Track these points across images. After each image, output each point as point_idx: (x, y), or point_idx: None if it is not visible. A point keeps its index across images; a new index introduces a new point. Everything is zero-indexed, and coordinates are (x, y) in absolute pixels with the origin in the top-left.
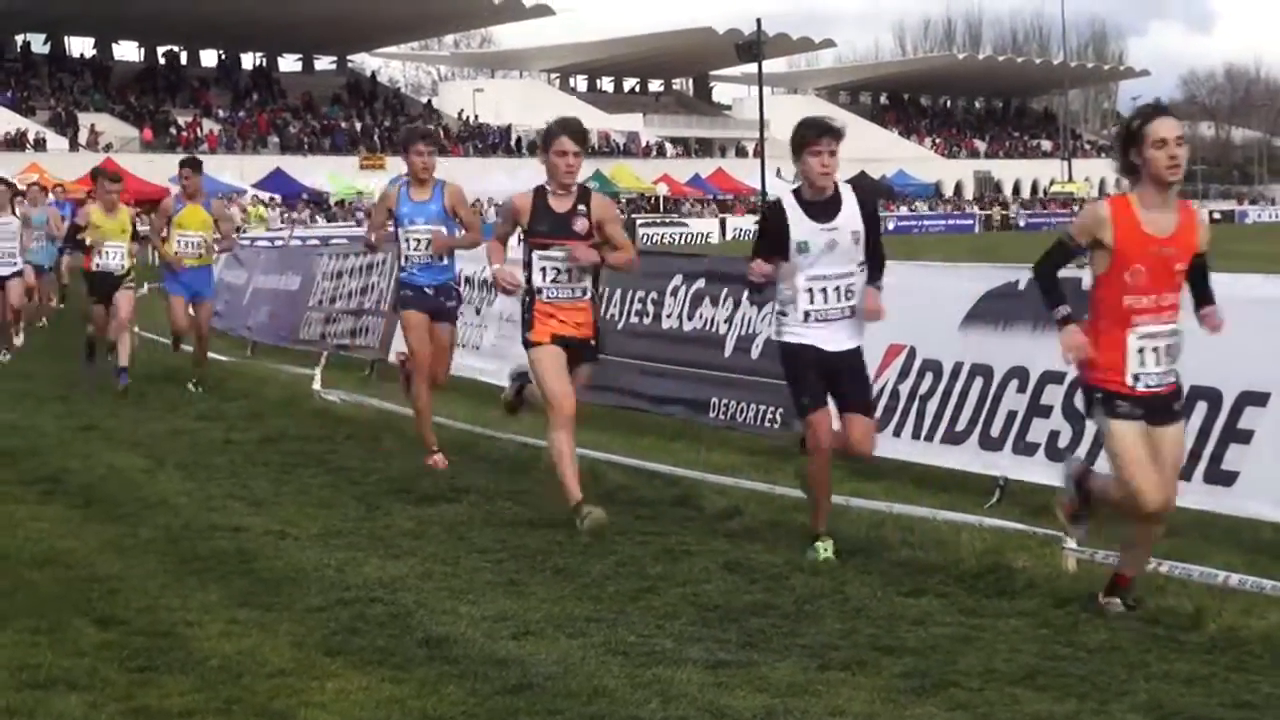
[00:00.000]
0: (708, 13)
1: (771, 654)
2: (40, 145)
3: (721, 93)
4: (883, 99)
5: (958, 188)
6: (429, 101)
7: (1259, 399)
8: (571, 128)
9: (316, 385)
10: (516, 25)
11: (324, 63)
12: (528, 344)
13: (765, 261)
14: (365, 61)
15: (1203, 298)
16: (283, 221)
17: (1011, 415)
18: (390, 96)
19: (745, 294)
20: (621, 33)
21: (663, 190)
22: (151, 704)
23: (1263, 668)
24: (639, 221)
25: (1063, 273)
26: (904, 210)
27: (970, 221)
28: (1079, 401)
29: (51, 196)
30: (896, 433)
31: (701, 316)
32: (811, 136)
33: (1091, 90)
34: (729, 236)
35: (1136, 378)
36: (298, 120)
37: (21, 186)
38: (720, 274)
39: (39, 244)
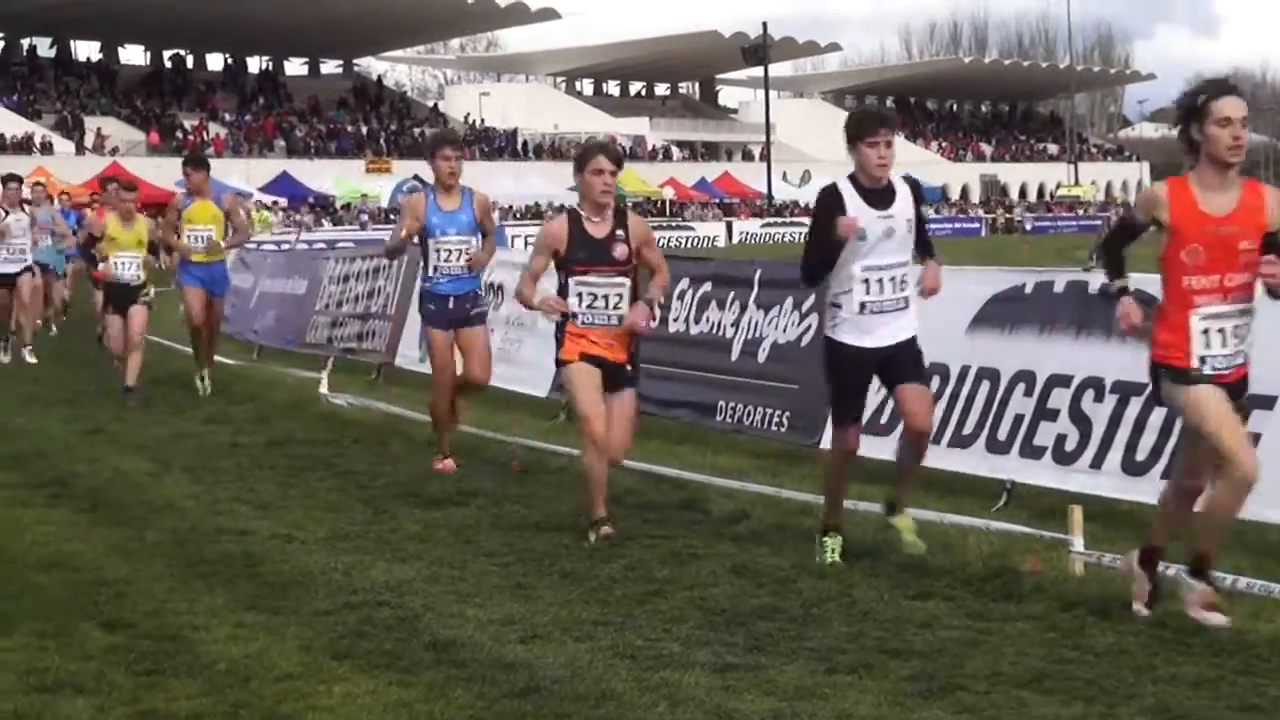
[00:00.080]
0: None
1: (779, 657)
2: (47, 149)
3: (727, 96)
4: (889, 103)
5: (964, 191)
6: (435, 105)
7: (1266, 402)
8: (609, 148)
9: (323, 389)
10: (522, 29)
11: (330, 66)
12: (559, 363)
13: (827, 246)
14: (371, 65)
15: None
16: (286, 225)
17: (1018, 418)
18: (396, 100)
19: (752, 297)
20: (627, 36)
21: (669, 194)
22: (159, 707)
23: (1270, 671)
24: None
25: (1069, 276)
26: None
27: (976, 225)
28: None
29: (57, 204)
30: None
31: (708, 320)
32: (870, 127)
33: (1097, 94)
34: (735, 240)
35: (1203, 360)
36: (304, 124)
37: (26, 192)
38: (727, 277)
39: (45, 243)
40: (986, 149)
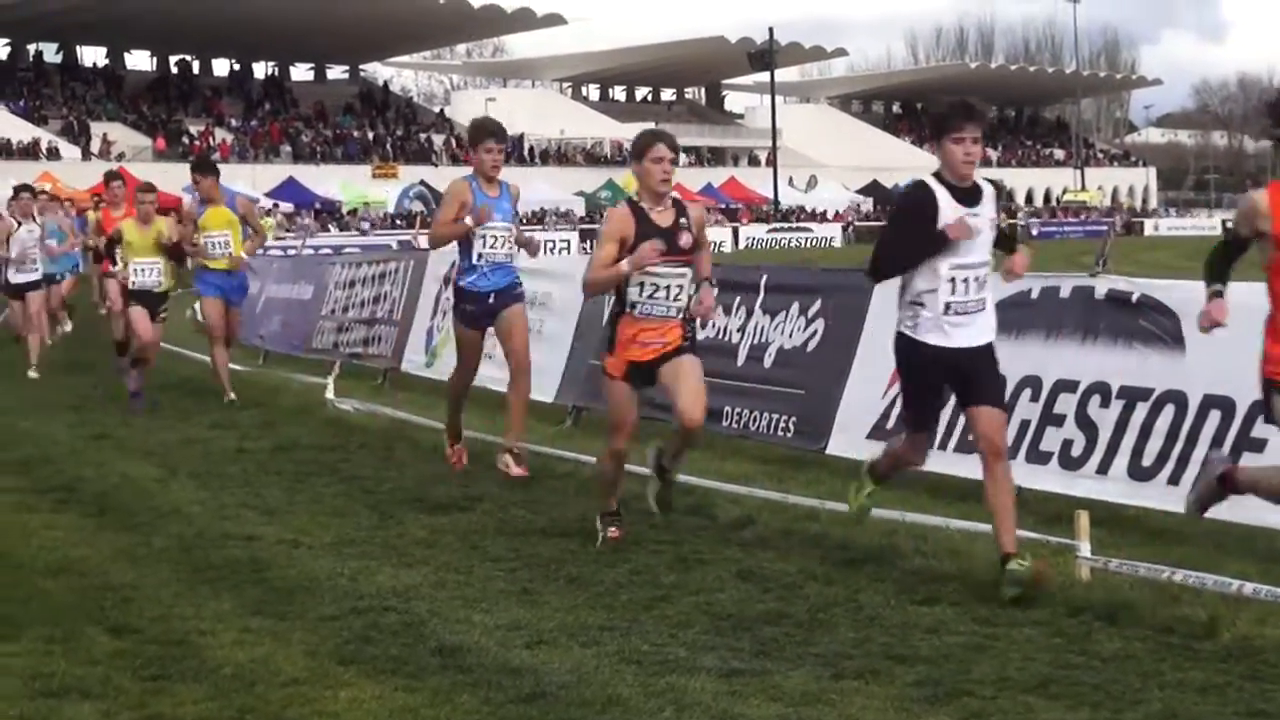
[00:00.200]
0: (720, 22)
1: (785, 663)
2: (53, 154)
3: (734, 102)
4: (895, 108)
5: None
6: (441, 111)
7: None
8: (666, 135)
9: (329, 394)
10: (529, 34)
11: (336, 72)
12: (604, 370)
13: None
14: (378, 71)
15: None
16: (288, 230)
17: (1024, 424)
18: (402, 106)
19: (758, 302)
20: (634, 42)
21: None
22: (165, 712)
23: (1277, 676)
24: None
25: (1075, 281)
26: None
27: None
28: (1092, 410)
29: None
30: None
31: (714, 325)
32: (955, 123)
33: (1104, 99)
34: (741, 246)
35: None
36: (310, 129)
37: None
38: (732, 283)
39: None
40: (993, 154)
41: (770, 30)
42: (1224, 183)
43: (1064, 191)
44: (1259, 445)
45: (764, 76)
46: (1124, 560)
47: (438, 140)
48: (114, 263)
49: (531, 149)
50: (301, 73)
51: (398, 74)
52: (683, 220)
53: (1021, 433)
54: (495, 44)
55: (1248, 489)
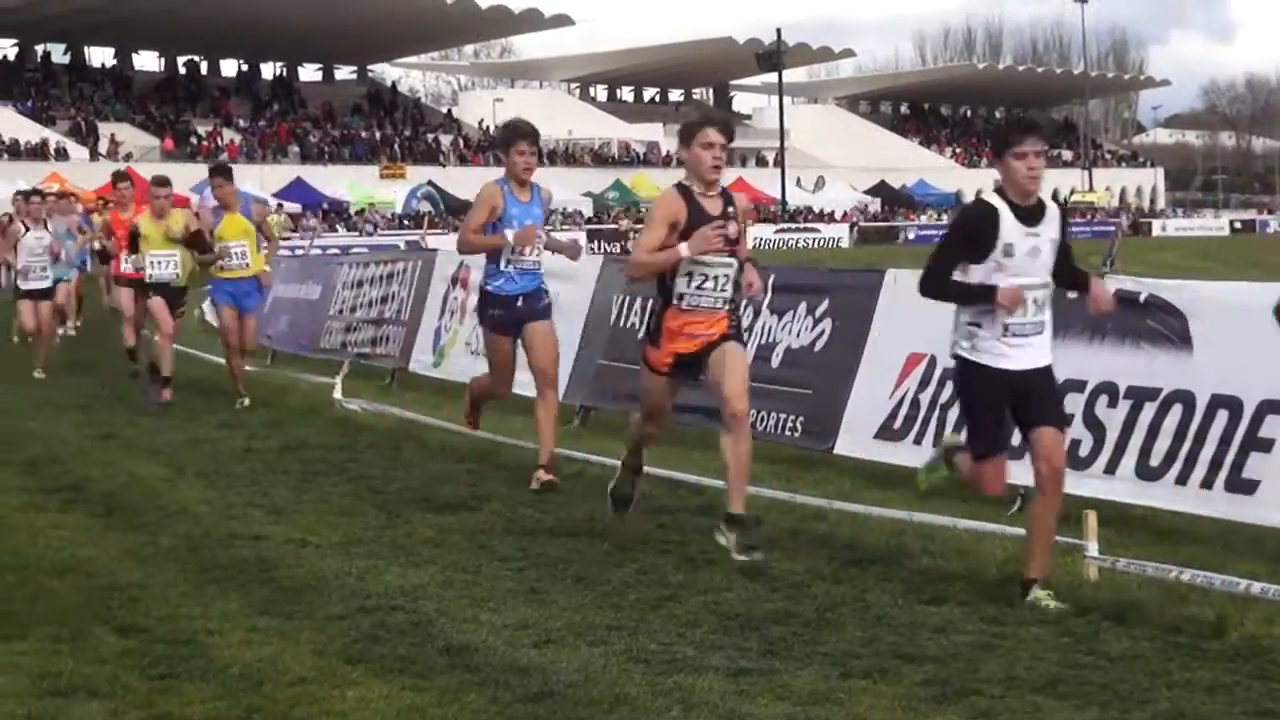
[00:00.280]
0: (728, 22)
1: (793, 662)
2: (61, 155)
3: (741, 102)
4: (903, 109)
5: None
6: (449, 111)
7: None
8: (716, 120)
9: (337, 394)
10: (536, 35)
11: (344, 72)
12: (646, 362)
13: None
14: (385, 71)
15: None
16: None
17: None
18: (410, 106)
19: (765, 303)
20: (641, 43)
21: None
22: (173, 711)
23: None
24: None
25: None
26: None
27: None
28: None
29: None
30: (917, 441)
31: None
32: (1018, 138)
33: (1112, 100)
34: (749, 245)
35: None
36: (318, 130)
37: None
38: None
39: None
40: None
41: (778, 31)
42: (1232, 183)
43: (1072, 191)
44: (1266, 445)
45: (772, 77)
46: (1132, 560)
47: (445, 141)
48: (106, 260)
49: (539, 150)
50: (309, 73)
51: (405, 74)
52: (730, 209)
53: None
54: (503, 45)
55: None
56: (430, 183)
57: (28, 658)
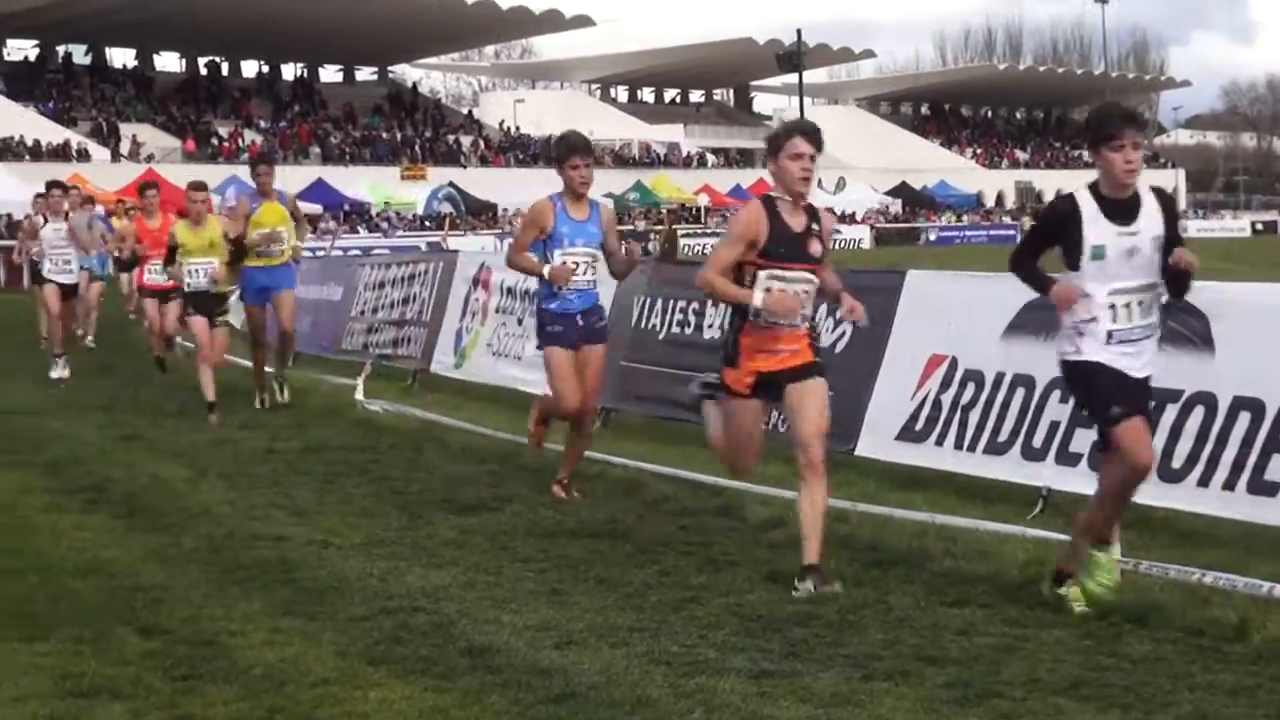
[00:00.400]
0: (748, 23)
1: (815, 664)
2: (83, 156)
3: (762, 103)
4: (923, 109)
5: (999, 198)
6: (470, 112)
7: None
8: (806, 128)
9: (359, 395)
10: (557, 36)
11: (365, 73)
12: (725, 387)
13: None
14: (406, 72)
15: None
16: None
17: (1054, 425)
18: (431, 107)
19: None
20: (662, 43)
21: (704, 201)
22: (195, 712)
23: None
24: (680, 232)
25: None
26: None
27: (1012, 232)
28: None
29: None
30: (939, 443)
31: None
32: (1112, 129)
33: (1133, 100)
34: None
35: None
36: (339, 131)
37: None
38: None
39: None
40: (1021, 156)
41: (798, 32)
42: (1253, 184)
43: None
44: None
45: (792, 78)
46: (1154, 562)
47: (466, 142)
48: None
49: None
50: (330, 74)
51: (426, 75)
52: (814, 226)
53: (1051, 434)
54: (524, 45)
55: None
56: (451, 184)
57: (50, 659)
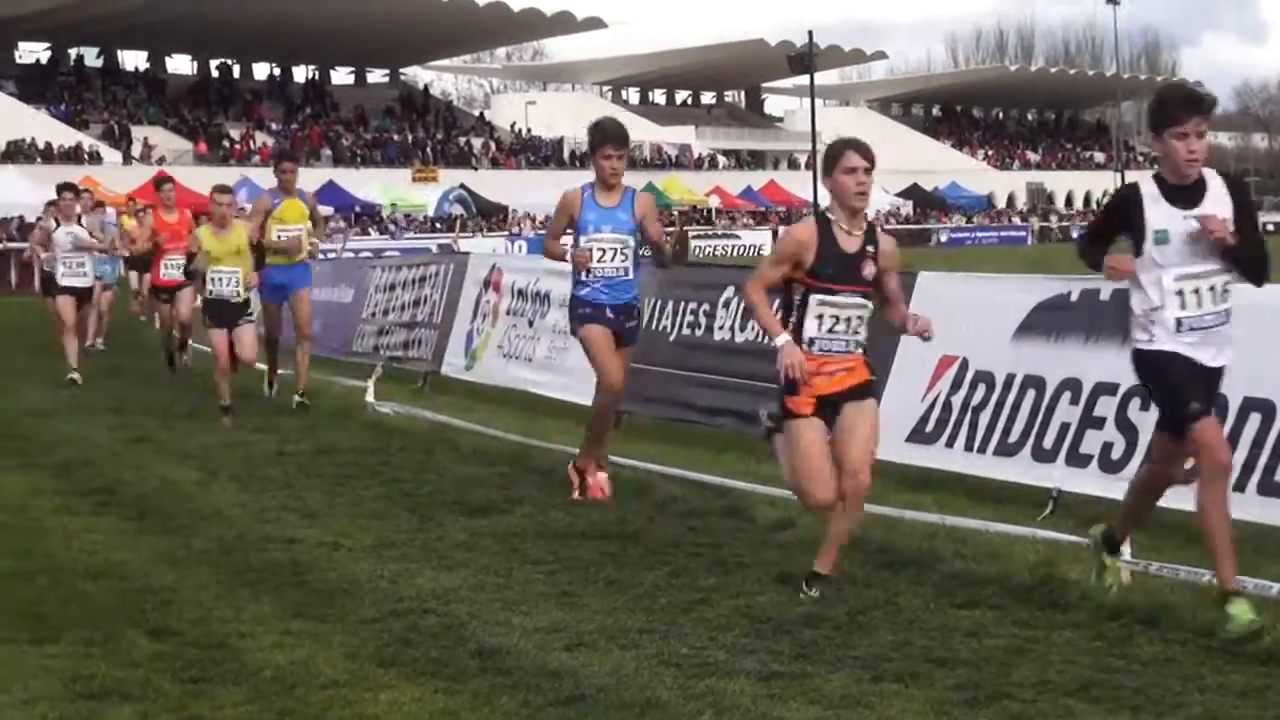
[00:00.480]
0: (759, 25)
1: (824, 665)
2: (94, 158)
3: (773, 105)
4: (935, 111)
5: (1010, 199)
6: (481, 114)
7: None
8: (860, 144)
9: (369, 397)
10: (568, 38)
11: (376, 76)
12: (786, 411)
13: (1117, 257)
14: (417, 74)
15: None
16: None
17: (1064, 427)
18: (442, 109)
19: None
20: (673, 45)
21: (715, 202)
22: (205, 715)
23: None
24: (691, 233)
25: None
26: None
27: (1023, 233)
28: (1132, 412)
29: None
30: (949, 444)
31: (753, 328)
32: (1177, 114)
33: (1144, 102)
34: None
35: None
36: (350, 133)
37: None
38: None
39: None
40: (1033, 157)
41: (810, 33)
42: (1265, 185)
43: (1104, 194)
44: None
45: (803, 79)
46: (1164, 563)
47: (477, 144)
48: (189, 276)
49: (572, 153)
50: (342, 76)
51: (438, 77)
52: (869, 248)
53: (1061, 435)
54: (535, 47)
55: None
56: (462, 186)
57: (60, 660)
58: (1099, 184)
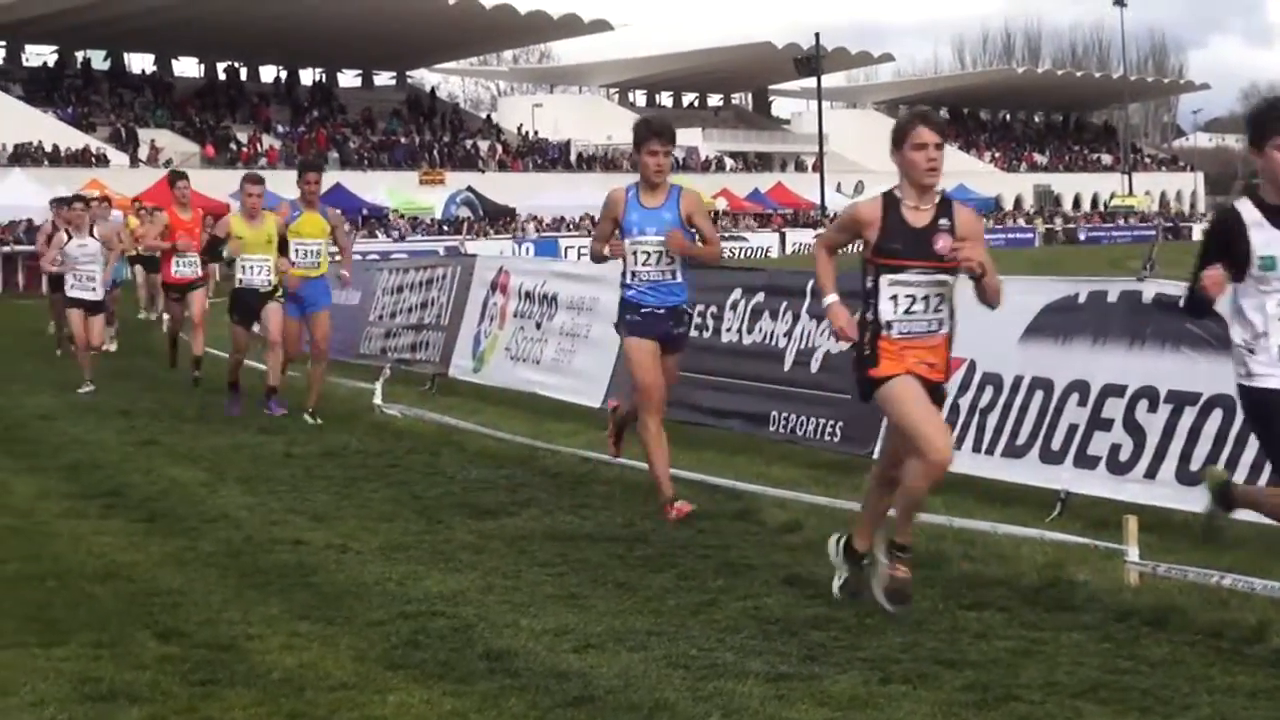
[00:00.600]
0: (766, 27)
1: (833, 667)
2: (101, 161)
3: (780, 107)
4: (942, 113)
5: (1017, 201)
6: (488, 116)
7: None
8: (931, 117)
9: (377, 399)
10: (575, 41)
11: (383, 78)
12: (872, 383)
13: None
14: (424, 77)
15: None
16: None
17: (1072, 428)
18: (449, 112)
19: (804, 307)
20: (680, 48)
21: (722, 204)
22: (213, 717)
23: None
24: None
25: (1122, 285)
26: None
27: (1030, 235)
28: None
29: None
30: (957, 446)
31: (761, 330)
32: (1276, 129)
33: (1151, 104)
34: (789, 250)
35: None
36: (357, 136)
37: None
38: (779, 287)
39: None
40: (1040, 159)
41: (817, 36)
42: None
43: (1112, 196)
44: None
45: (810, 82)
46: (1172, 565)
47: (484, 146)
48: (219, 259)
49: (579, 155)
50: (349, 79)
51: (444, 80)
52: (943, 221)
53: (1069, 437)
54: (542, 50)
55: (1244, 503)
56: (469, 188)
57: (69, 663)
58: (1106, 186)
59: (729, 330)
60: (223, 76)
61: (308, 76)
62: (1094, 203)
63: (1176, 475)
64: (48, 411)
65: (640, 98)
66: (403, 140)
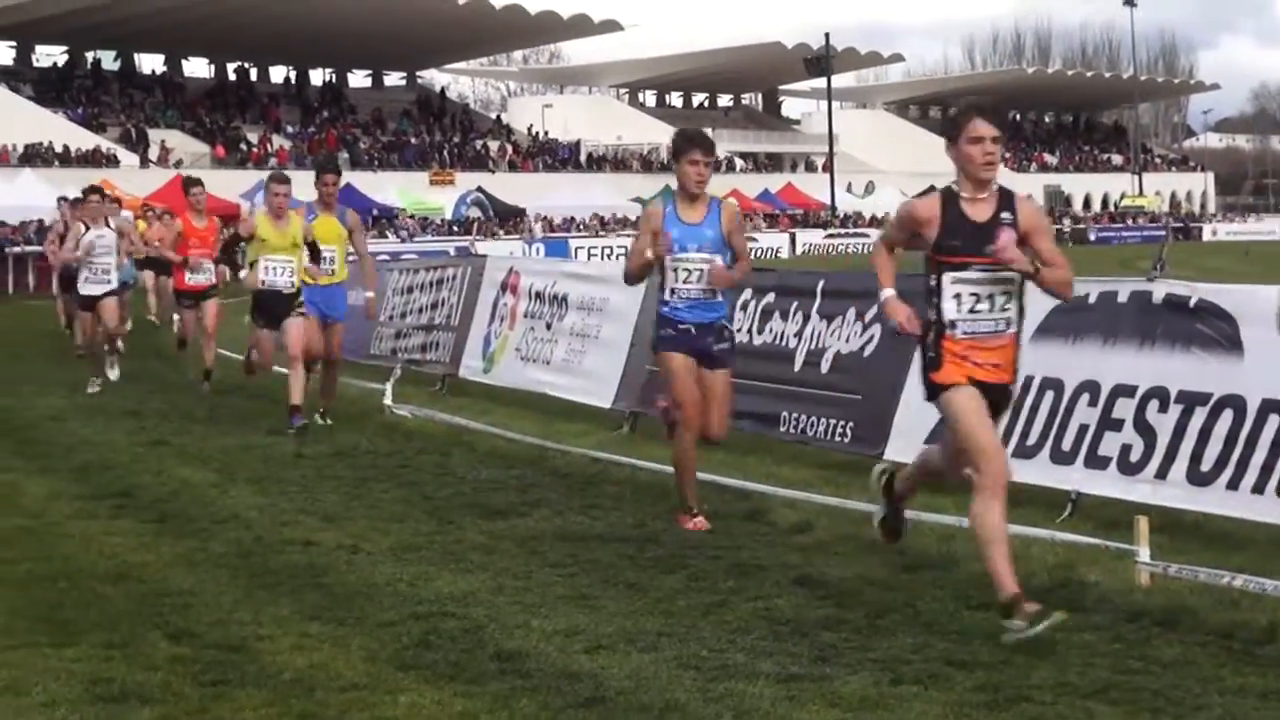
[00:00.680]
0: (776, 28)
1: (843, 668)
2: (111, 162)
3: (790, 108)
4: (952, 113)
5: None
6: (498, 117)
7: None
8: (986, 109)
9: (387, 400)
10: (585, 41)
11: (393, 79)
12: (934, 387)
13: None
14: (434, 77)
15: None
16: None
17: (1083, 429)
18: (459, 112)
19: (814, 307)
20: (690, 48)
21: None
22: (224, 717)
23: None
24: None
25: (1133, 286)
26: None
27: None
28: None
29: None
30: None
31: (771, 331)
32: None
33: (1162, 104)
34: (799, 251)
35: None
36: (367, 136)
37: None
38: (789, 288)
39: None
40: (1050, 159)
41: (826, 36)
42: None
43: (1122, 196)
44: None
45: (820, 82)
46: (1183, 565)
47: (494, 147)
48: (234, 266)
49: (589, 155)
50: (359, 79)
51: (455, 80)
52: (1004, 215)
53: (1080, 437)
54: (552, 50)
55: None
56: (479, 189)
57: (80, 664)
58: (1116, 186)
59: (739, 331)
60: (233, 77)
61: (318, 77)
62: (1104, 203)
63: (1187, 476)
64: (58, 413)
65: (650, 98)
66: (413, 141)
